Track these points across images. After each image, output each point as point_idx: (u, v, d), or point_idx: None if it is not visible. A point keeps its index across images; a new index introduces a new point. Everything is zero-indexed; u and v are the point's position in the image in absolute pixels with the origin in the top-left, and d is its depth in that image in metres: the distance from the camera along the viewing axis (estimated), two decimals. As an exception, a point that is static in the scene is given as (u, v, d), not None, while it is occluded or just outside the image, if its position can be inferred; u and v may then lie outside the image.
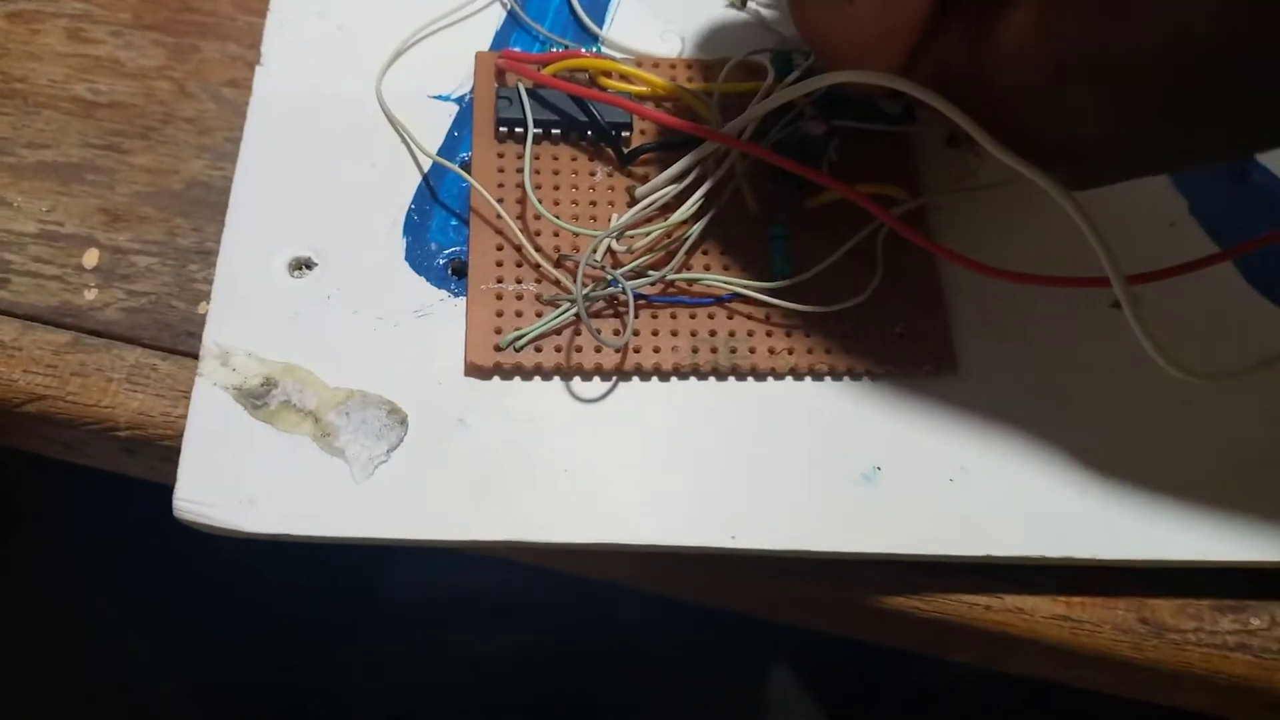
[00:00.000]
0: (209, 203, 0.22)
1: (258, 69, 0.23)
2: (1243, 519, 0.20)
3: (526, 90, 0.22)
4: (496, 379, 0.20)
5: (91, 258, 0.22)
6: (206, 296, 0.21)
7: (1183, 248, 0.23)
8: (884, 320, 0.21)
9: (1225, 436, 0.21)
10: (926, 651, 0.22)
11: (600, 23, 0.25)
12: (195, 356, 0.20)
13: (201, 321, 0.21)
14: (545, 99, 0.22)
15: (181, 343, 0.21)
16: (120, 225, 0.22)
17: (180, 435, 0.19)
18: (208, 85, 0.24)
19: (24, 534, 0.41)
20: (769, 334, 0.21)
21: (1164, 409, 0.21)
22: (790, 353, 0.20)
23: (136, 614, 0.39)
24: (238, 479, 0.18)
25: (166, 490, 0.19)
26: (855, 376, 0.21)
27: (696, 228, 0.21)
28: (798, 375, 0.20)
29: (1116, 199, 0.23)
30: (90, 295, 0.21)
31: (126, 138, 0.23)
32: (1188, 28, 0.15)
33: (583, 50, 0.24)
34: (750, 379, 0.20)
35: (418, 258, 0.21)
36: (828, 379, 0.21)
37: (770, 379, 0.20)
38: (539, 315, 0.20)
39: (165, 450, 0.20)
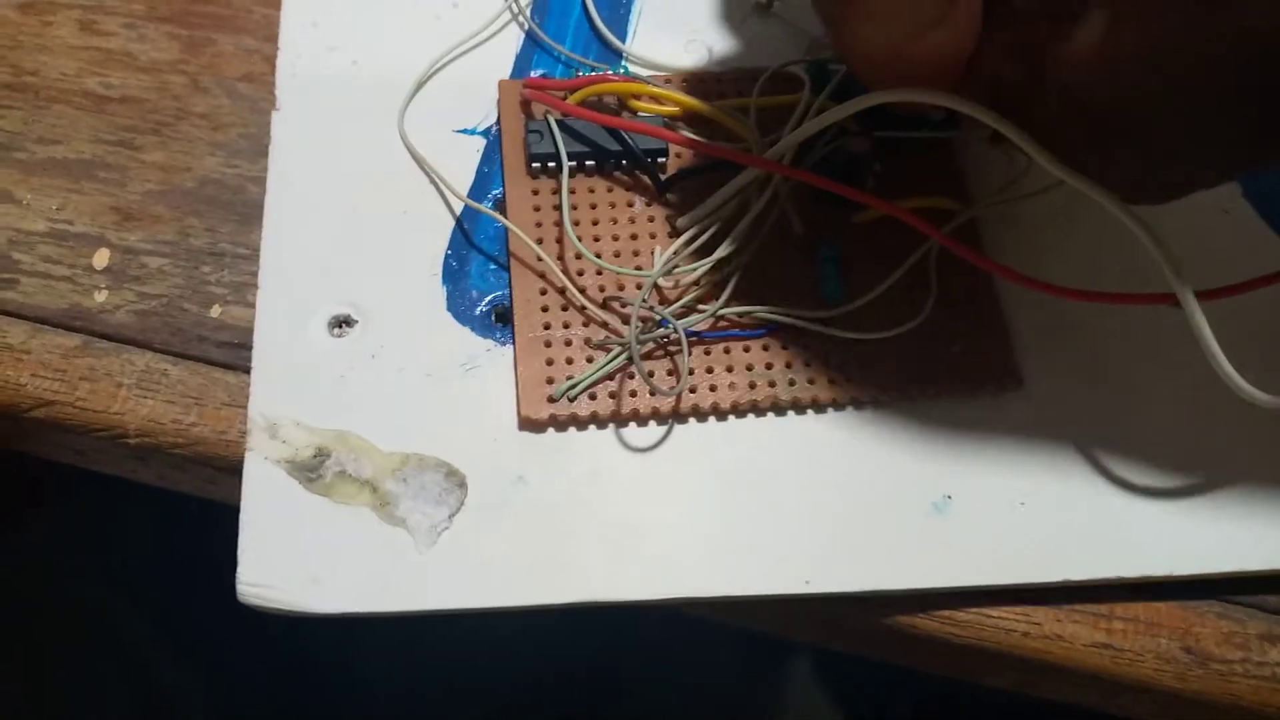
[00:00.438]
0: (223, 201, 0.22)
1: (274, 114, 0.22)
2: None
3: (556, 121, 0.21)
4: (551, 431, 0.19)
5: (102, 258, 0.21)
6: (220, 299, 0.21)
7: (1239, 236, 0.22)
8: (942, 341, 0.20)
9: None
10: (960, 676, 0.21)
11: (622, 38, 0.24)
12: (208, 363, 0.20)
13: (213, 326, 0.21)
14: (575, 129, 0.21)
15: (193, 347, 0.21)
16: (132, 224, 0.22)
17: (192, 445, 0.20)
18: (223, 80, 0.23)
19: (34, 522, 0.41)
20: (826, 363, 0.20)
21: (1235, 422, 0.20)
22: (850, 381, 0.20)
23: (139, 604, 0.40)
24: (300, 558, 0.18)
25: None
26: (916, 401, 0.20)
27: (743, 257, 0.20)
28: (858, 405, 0.20)
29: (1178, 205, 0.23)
30: (100, 297, 0.21)
31: (139, 134, 0.23)
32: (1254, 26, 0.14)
33: (609, 71, 0.23)
34: (810, 411, 0.20)
35: (459, 307, 0.21)
36: (890, 406, 0.20)
37: (830, 410, 0.20)
38: (589, 360, 0.20)
39: (176, 459, 0.20)
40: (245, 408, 0.20)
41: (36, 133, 0.23)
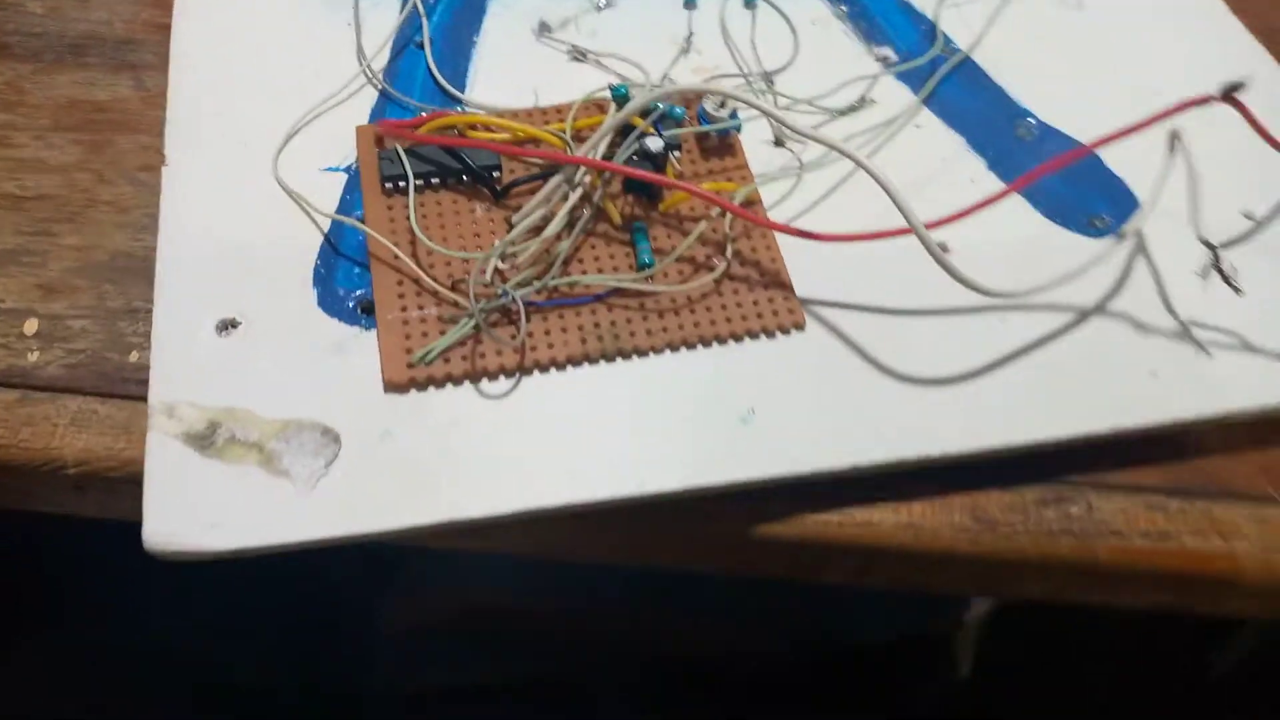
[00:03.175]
0: (133, 270, 0.25)
1: (164, 169, 0.26)
2: (1048, 404, 0.23)
3: (404, 149, 0.26)
4: (413, 392, 0.23)
5: (31, 326, 0.24)
6: (137, 347, 0.24)
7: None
8: (740, 294, 0.24)
9: (1034, 342, 0.24)
10: (799, 576, 0.24)
11: (461, 88, 0.28)
12: (131, 398, 0.23)
13: (134, 369, 0.23)
14: (421, 154, 0.26)
15: (118, 388, 0.23)
16: (55, 296, 0.25)
17: (124, 467, 0.22)
18: (124, 171, 0.27)
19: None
20: (644, 318, 0.24)
21: (984, 326, 0.24)
22: (665, 331, 0.24)
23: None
24: (198, 509, 0.21)
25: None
26: (722, 342, 0.24)
27: (568, 240, 0.24)
28: (674, 348, 0.24)
29: (920, 163, 0.28)
30: (33, 357, 0.24)
31: (55, 223, 0.26)
32: None
33: (449, 110, 0.27)
34: (635, 358, 0.24)
35: (329, 303, 0.24)
36: (699, 348, 0.24)
37: (651, 355, 0.24)
38: (442, 333, 0.23)
39: (111, 482, 0.23)
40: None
41: None
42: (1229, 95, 0.23)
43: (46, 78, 0.29)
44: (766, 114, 0.27)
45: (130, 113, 0.29)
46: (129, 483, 0.23)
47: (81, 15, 0.31)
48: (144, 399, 0.23)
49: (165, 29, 0.30)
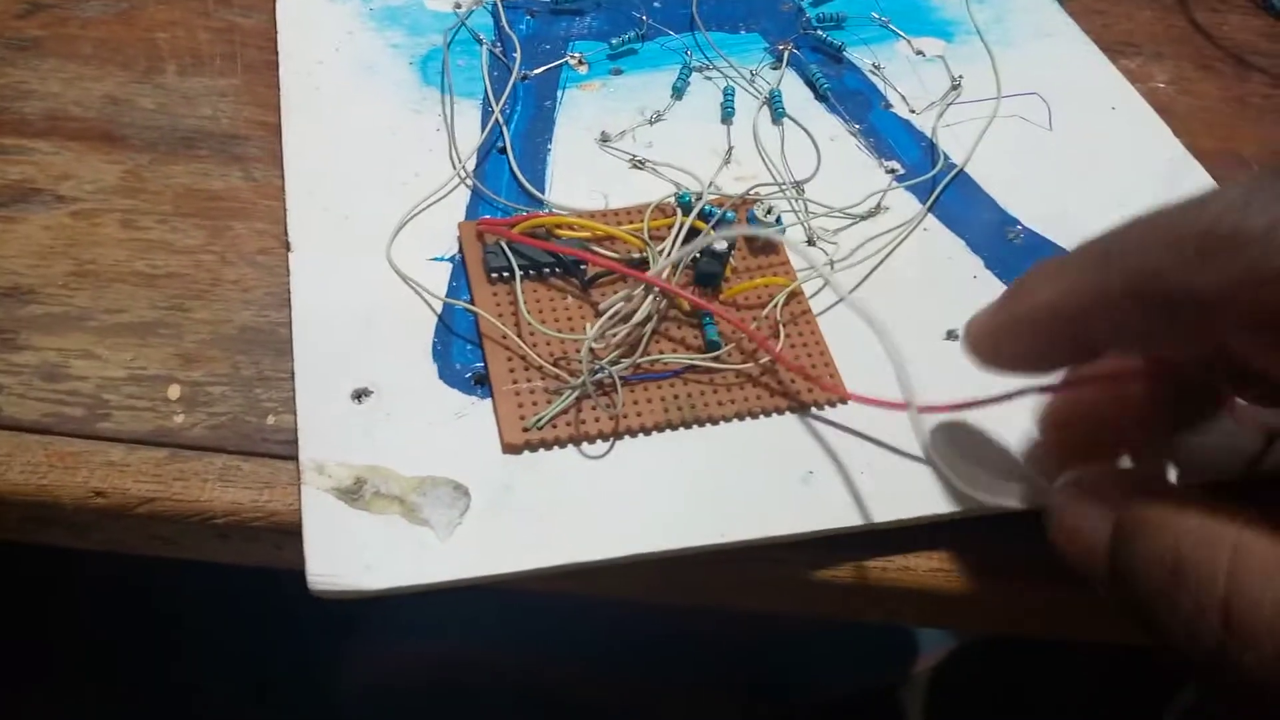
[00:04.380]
0: (260, 342, 0.29)
1: (290, 255, 0.30)
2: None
3: (505, 245, 0.30)
4: (526, 452, 0.27)
5: (174, 391, 0.28)
6: (272, 411, 0.27)
7: (987, 295, 0.32)
8: (793, 371, 0.29)
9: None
10: (848, 615, 0.29)
11: (541, 189, 0.33)
12: (271, 457, 0.26)
13: (271, 430, 0.27)
14: (518, 249, 0.30)
15: (259, 447, 0.27)
16: (194, 365, 0.28)
17: (268, 517, 0.26)
18: (244, 254, 0.31)
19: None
20: (715, 391, 0.28)
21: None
22: (734, 402, 0.28)
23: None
24: (352, 554, 0.24)
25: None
26: (781, 413, 0.28)
27: (649, 326, 0.29)
28: (741, 417, 0.28)
29: (930, 261, 0.33)
30: (179, 420, 0.27)
31: (186, 299, 0.30)
32: None
33: (539, 212, 0.32)
34: (709, 425, 0.28)
35: (448, 376, 0.28)
36: (763, 417, 0.28)
37: (723, 422, 0.28)
38: (549, 403, 0.27)
39: (253, 531, 0.26)
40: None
41: (103, 305, 0.29)
42: None
43: (164, 167, 0.33)
44: (802, 222, 0.32)
45: (244, 201, 0.32)
46: (270, 531, 0.26)
47: (189, 111, 0.35)
48: (282, 457, 0.27)
49: (265, 125, 0.34)
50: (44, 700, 0.49)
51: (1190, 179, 0.37)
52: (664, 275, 0.29)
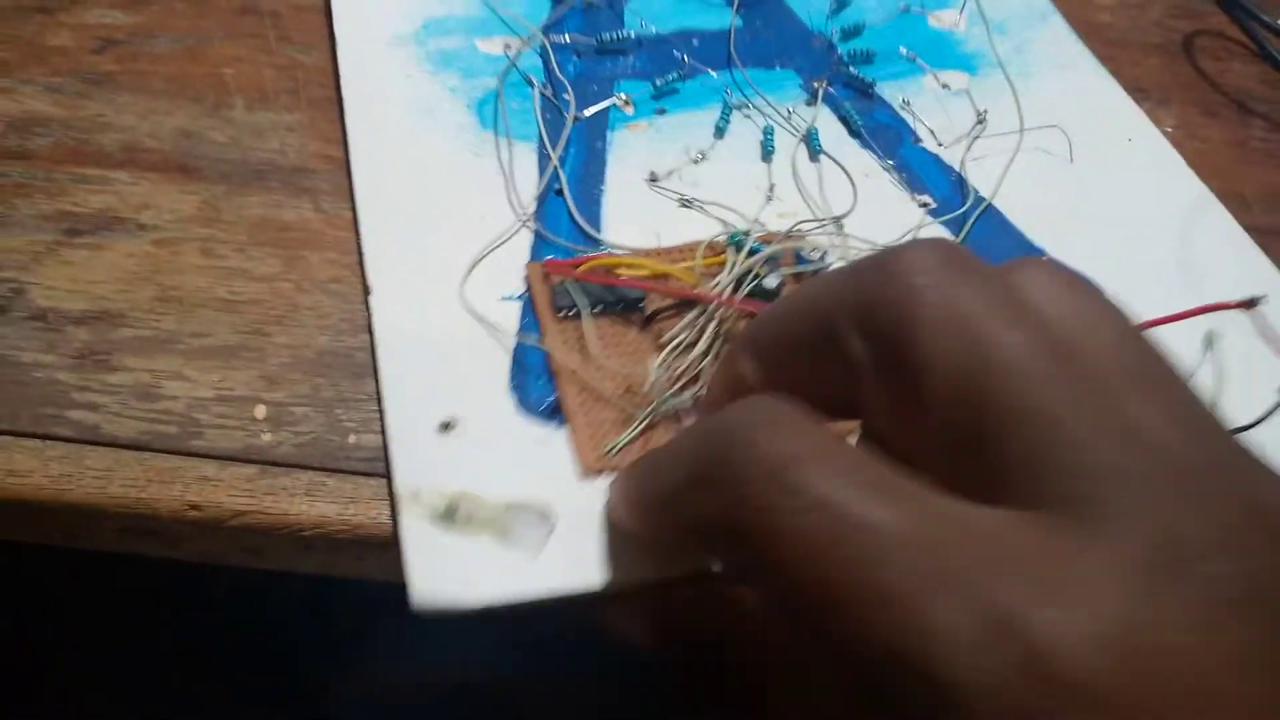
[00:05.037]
0: (338, 366, 0.31)
1: (371, 297, 0.32)
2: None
3: (570, 283, 0.32)
4: (603, 475, 0.29)
5: (260, 411, 0.30)
6: (353, 430, 0.30)
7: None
8: (842, 397, 0.31)
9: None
10: None
11: (597, 228, 0.35)
12: (354, 473, 0.29)
13: (353, 448, 0.29)
14: (583, 288, 0.32)
15: (342, 464, 0.29)
16: (276, 387, 0.30)
17: (352, 530, 0.28)
18: (318, 283, 0.33)
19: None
20: (771, 418, 0.31)
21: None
22: (788, 428, 0.31)
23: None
24: (451, 572, 0.27)
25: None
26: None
27: (710, 356, 0.31)
28: (796, 442, 0.30)
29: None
30: (266, 438, 0.29)
31: (266, 324, 0.32)
32: None
33: (599, 253, 0.34)
34: (766, 450, 0.30)
35: (525, 407, 0.30)
36: (816, 441, 0.31)
37: (779, 448, 0.30)
38: (620, 431, 0.30)
39: (337, 543, 0.28)
40: (388, 500, 0.28)
41: (189, 330, 0.31)
42: (1247, 304, 0.28)
43: (237, 198, 0.35)
44: (844, 258, 0.34)
45: (314, 232, 0.35)
46: (354, 544, 0.29)
47: (259, 145, 0.37)
48: (364, 474, 0.29)
49: (331, 159, 0.37)
50: (39, 706, 0.50)
51: (1209, 211, 0.39)
52: (718, 311, 0.32)
